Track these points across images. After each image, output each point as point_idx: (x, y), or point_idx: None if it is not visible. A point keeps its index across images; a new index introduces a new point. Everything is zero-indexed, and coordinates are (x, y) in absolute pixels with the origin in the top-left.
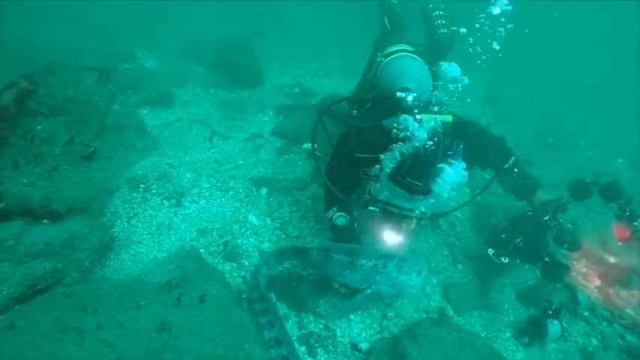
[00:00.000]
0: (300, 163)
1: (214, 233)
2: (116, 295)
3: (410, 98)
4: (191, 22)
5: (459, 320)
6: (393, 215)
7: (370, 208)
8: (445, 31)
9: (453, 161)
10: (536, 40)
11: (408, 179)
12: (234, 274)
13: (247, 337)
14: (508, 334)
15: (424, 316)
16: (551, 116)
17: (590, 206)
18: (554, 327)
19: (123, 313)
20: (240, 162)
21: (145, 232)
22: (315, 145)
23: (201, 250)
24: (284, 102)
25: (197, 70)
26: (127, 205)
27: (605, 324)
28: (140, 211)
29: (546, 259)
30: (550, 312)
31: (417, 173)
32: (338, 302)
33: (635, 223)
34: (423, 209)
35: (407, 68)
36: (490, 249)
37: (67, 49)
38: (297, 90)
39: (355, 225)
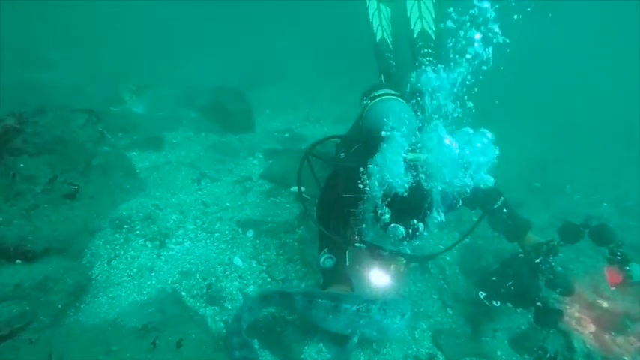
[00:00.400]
0: (287, 206)
1: (197, 275)
2: (86, 340)
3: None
4: (191, 70)
5: None
6: (381, 257)
7: (357, 245)
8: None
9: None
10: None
11: (392, 225)
12: (217, 318)
13: None
14: None
15: None
16: (538, 162)
17: (581, 250)
18: None
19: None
20: (228, 204)
21: (126, 274)
22: (303, 189)
23: (183, 293)
24: (274, 146)
25: (190, 115)
26: (108, 246)
27: None
28: (122, 252)
29: (539, 303)
30: None
31: (403, 215)
32: (324, 348)
33: (628, 267)
34: (409, 251)
35: (392, 109)
36: (481, 292)
37: (67, 93)
38: (287, 135)
39: (347, 264)
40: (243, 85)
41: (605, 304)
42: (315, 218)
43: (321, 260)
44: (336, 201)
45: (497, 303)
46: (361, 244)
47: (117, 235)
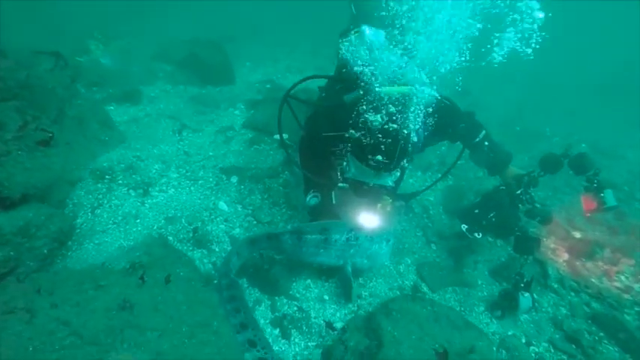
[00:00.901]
0: (271, 152)
1: (183, 220)
2: (75, 279)
3: (368, 72)
4: (160, 26)
5: (434, 296)
6: (366, 194)
7: (340, 185)
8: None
9: None
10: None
11: (370, 157)
12: (205, 260)
13: (215, 315)
14: (482, 308)
15: (398, 293)
16: (516, 108)
17: (558, 188)
18: (525, 299)
19: (81, 294)
20: (211, 153)
21: (111, 222)
22: (286, 135)
23: (170, 238)
24: (256, 97)
25: (166, 68)
26: (90, 196)
27: (572, 294)
28: (105, 202)
29: (518, 232)
30: (522, 285)
31: (382, 149)
32: (311, 284)
33: (602, 194)
34: (391, 183)
35: (364, 44)
36: (463, 224)
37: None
38: (268, 86)
39: (334, 203)
40: (219, 40)
41: (577, 235)
42: (299, 162)
43: (307, 199)
44: (317, 141)
45: (478, 235)
46: (344, 184)
47: (99, 185)
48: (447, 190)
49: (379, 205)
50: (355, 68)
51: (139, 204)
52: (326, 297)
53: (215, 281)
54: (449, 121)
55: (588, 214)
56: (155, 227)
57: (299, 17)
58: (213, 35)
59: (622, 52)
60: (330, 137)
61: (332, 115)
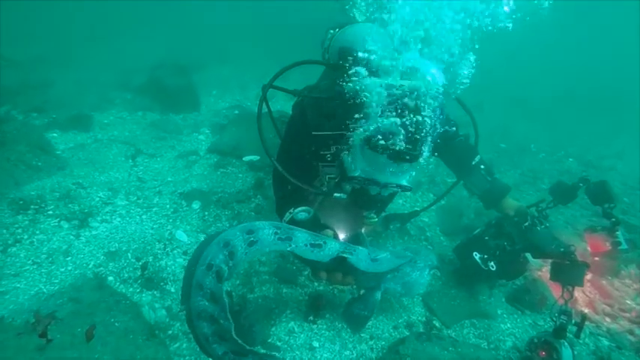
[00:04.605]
0: (240, 175)
1: (129, 255)
2: None
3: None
4: (128, 52)
5: (450, 333)
6: (369, 206)
7: (336, 195)
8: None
9: None
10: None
11: (391, 143)
12: (156, 304)
13: None
14: (509, 344)
15: (407, 332)
16: (500, 126)
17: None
18: (567, 350)
19: None
20: (170, 179)
21: (29, 262)
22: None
23: (110, 278)
24: (222, 122)
25: (124, 95)
26: (5, 231)
27: (609, 320)
28: (25, 237)
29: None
30: (566, 327)
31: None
32: (296, 328)
33: (617, 232)
34: (406, 183)
35: (366, 30)
36: (475, 252)
37: None
38: (237, 112)
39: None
40: (186, 65)
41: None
42: (280, 166)
43: (295, 214)
44: (304, 140)
45: (493, 267)
46: (341, 194)
47: (19, 217)
48: (441, 211)
49: (365, 222)
50: (360, 54)
51: (72, 238)
52: (315, 344)
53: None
54: (450, 131)
55: (596, 258)
56: (91, 265)
57: (270, 41)
58: (181, 61)
59: (596, 63)
60: (322, 137)
61: (325, 109)
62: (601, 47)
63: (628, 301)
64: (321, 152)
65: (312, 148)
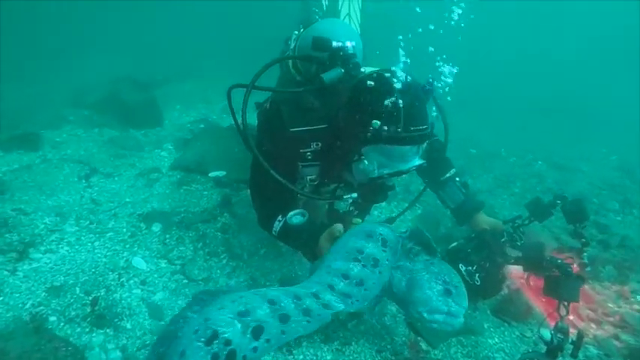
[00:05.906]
0: (205, 193)
1: (77, 290)
2: None
3: (349, 45)
4: (85, 68)
5: (437, 354)
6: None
7: (345, 196)
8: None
9: None
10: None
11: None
12: (109, 345)
13: None
14: None
15: (392, 358)
16: (466, 133)
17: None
18: None
19: None
20: (128, 200)
21: None
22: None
23: (52, 318)
24: (187, 137)
25: (80, 112)
26: None
27: (594, 326)
28: None
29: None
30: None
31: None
32: None
33: (584, 254)
34: (418, 162)
35: (337, 24)
36: (461, 264)
37: None
38: (202, 126)
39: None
40: (147, 81)
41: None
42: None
43: (289, 218)
44: (280, 142)
45: (478, 281)
46: (351, 195)
47: None
48: (418, 220)
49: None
50: (334, 44)
51: (5, 274)
52: None
53: None
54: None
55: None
56: (28, 305)
57: (235, 53)
58: (142, 76)
59: (560, 71)
60: (300, 134)
61: (301, 103)
62: (566, 54)
63: (610, 304)
64: (301, 150)
65: (290, 146)
